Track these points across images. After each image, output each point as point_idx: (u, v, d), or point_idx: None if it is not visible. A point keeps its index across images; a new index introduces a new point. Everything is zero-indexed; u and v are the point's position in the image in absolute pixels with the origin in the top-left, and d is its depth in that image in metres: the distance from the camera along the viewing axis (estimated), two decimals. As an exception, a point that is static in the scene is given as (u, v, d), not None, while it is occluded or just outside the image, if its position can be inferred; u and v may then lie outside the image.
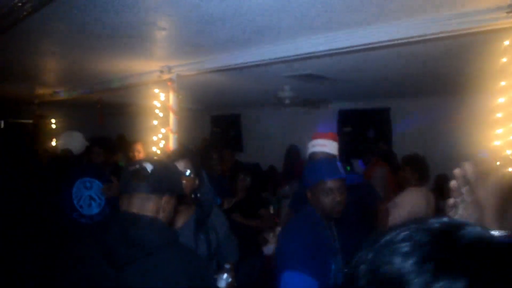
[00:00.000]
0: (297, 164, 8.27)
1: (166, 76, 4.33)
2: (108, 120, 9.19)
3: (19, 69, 4.78)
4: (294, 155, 8.27)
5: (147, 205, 1.54)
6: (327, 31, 2.92)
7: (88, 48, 3.60)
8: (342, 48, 2.97)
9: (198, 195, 2.39)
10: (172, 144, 4.25)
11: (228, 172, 4.97)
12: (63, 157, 3.67)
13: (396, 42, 2.71)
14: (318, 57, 3.38)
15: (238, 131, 9.98)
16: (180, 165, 2.26)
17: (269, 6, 2.41)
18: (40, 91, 6.61)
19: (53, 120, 7.72)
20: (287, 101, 6.00)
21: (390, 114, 7.36)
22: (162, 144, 4.46)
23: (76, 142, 3.82)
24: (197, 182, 2.37)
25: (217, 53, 3.71)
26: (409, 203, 3.92)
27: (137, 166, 1.57)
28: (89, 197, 3.19)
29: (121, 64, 4.30)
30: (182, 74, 4.27)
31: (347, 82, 5.27)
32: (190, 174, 2.29)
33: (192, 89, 6.05)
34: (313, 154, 3.09)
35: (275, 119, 8.93)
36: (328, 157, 3.03)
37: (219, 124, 10.51)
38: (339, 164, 2.27)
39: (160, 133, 4.49)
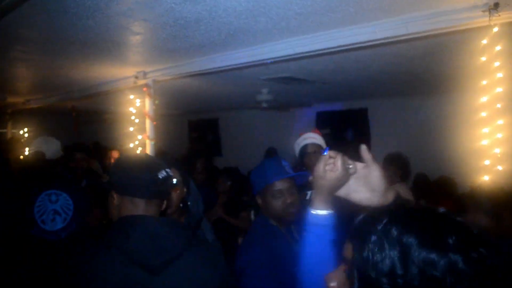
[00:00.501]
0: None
1: (141, 82, 4.25)
2: (84, 128, 9.04)
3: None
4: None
5: (157, 209, 1.60)
6: (305, 32, 2.90)
7: (60, 55, 3.50)
8: (320, 50, 2.95)
9: (189, 203, 2.33)
10: (149, 151, 4.16)
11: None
12: (34, 160, 3.41)
13: (375, 42, 2.71)
14: (295, 59, 3.36)
15: (216, 135, 9.91)
16: None
17: (245, 9, 2.37)
18: (12, 99, 6.41)
19: (25, 129, 7.52)
20: (264, 105, 5.96)
21: (368, 115, 7.40)
22: (139, 151, 4.37)
23: (50, 145, 3.59)
24: (185, 190, 2.31)
25: (193, 57, 3.65)
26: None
27: (165, 173, 1.59)
28: (53, 211, 2.99)
29: (95, 70, 4.20)
30: (158, 79, 4.20)
31: (326, 84, 5.27)
32: (177, 183, 2.22)
33: (169, 94, 5.96)
34: (306, 146, 3.15)
35: (254, 122, 8.90)
36: (319, 149, 3.10)
37: (197, 129, 10.42)
38: (285, 163, 2.17)
39: (137, 140, 4.40)
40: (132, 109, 4.49)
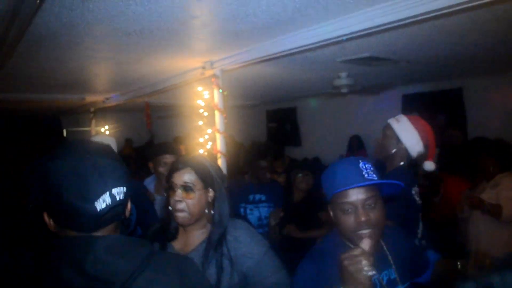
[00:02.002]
0: (360, 155, 7.73)
1: (209, 72, 3.99)
2: (160, 123, 9.16)
3: (65, 79, 4.66)
4: (356, 146, 7.75)
5: (112, 231, 1.29)
6: (384, 0, 2.41)
7: (123, 49, 3.33)
8: (406, 19, 2.44)
9: (212, 212, 1.92)
10: (219, 145, 3.90)
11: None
12: None
13: (475, 3, 2.16)
14: (376, 33, 2.87)
15: (294, 125, 9.55)
16: (182, 177, 1.87)
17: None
18: (92, 98, 6.56)
19: (107, 127, 7.75)
20: (344, 90, 5.47)
21: (463, 96, 6.57)
22: (209, 145, 4.14)
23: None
24: (211, 194, 1.93)
25: (259, 41, 3.29)
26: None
27: (108, 200, 1.21)
28: None
29: (161, 64, 4.02)
30: (225, 68, 3.91)
31: (411, 63, 4.66)
32: (191, 188, 1.86)
33: (242, 84, 5.71)
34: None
35: (334, 109, 8.41)
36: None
37: (275, 119, 10.14)
38: (365, 165, 1.58)
39: (206, 134, 4.17)
40: (200, 102, 4.25)
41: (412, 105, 7.22)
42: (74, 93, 5.99)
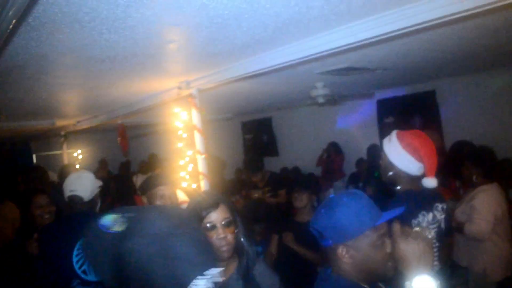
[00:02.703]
0: (337, 160, 7.73)
1: (185, 92, 3.87)
2: (136, 142, 8.94)
3: (36, 107, 4.46)
4: (334, 151, 7.76)
5: None
6: (369, 13, 2.36)
7: (93, 75, 3.18)
8: (390, 33, 2.39)
9: (242, 239, 1.93)
10: (200, 166, 3.77)
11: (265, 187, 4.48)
12: (69, 207, 2.96)
13: (461, 15, 2.12)
14: (356, 48, 2.83)
15: (271, 135, 9.48)
16: (221, 214, 1.84)
17: (295, -6, 1.89)
18: (62, 122, 6.32)
19: (79, 150, 7.50)
20: (320, 100, 5.43)
21: (436, 97, 6.63)
22: (190, 167, 4.01)
23: (86, 185, 3.05)
24: (238, 225, 1.92)
25: (238, 59, 3.20)
26: (490, 205, 3.31)
27: None
28: None
29: (135, 86, 3.87)
30: (202, 87, 3.80)
31: (388, 70, 4.66)
32: (230, 221, 1.86)
33: (217, 99, 5.60)
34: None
35: (310, 118, 8.40)
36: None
37: (250, 130, 10.06)
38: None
39: (186, 156, 4.04)
40: (179, 123, 4.11)
41: (387, 110, 7.28)
42: (44, 119, 5.75)
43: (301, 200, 3.51)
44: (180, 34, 2.35)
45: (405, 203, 2.15)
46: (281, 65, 3.01)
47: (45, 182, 4.55)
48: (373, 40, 2.53)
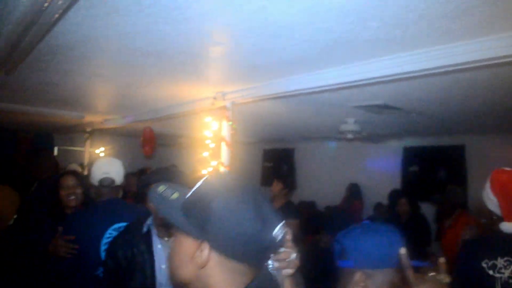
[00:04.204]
0: (356, 204, 7.59)
1: (219, 104, 3.89)
2: (157, 152, 8.97)
3: (68, 95, 4.52)
4: (354, 195, 7.63)
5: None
6: (419, 46, 2.35)
7: (135, 69, 3.21)
8: (436, 68, 2.39)
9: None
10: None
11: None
12: (98, 192, 2.91)
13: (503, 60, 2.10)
14: (399, 80, 2.80)
15: (291, 167, 9.40)
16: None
17: (354, 8, 1.88)
18: (90, 118, 6.40)
19: (102, 149, 7.57)
20: (350, 136, 5.40)
21: (465, 153, 6.53)
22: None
23: (119, 168, 3.01)
24: None
25: (276, 76, 3.21)
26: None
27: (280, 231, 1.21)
28: None
29: (171, 89, 3.90)
30: (237, 101, 3.81)
31: (422, 115, 4.61)
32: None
33: (244, 119, 5.62)
34: None
35: (333, 154, 8.31)
36: None
37: (271, 159, 10.00)
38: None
39: (210, 166, 4.01)
40: (208, 133, 4.11)
41: (413, 158, 7.18)
42: (74, 110, 5.82)
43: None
44: (229, 37, 2.36)
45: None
46: (321, 88, 3.00)
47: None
48: (418, 74, 2.52)
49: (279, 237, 1.07)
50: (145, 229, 2.21)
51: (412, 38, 2.23)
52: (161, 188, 1.21)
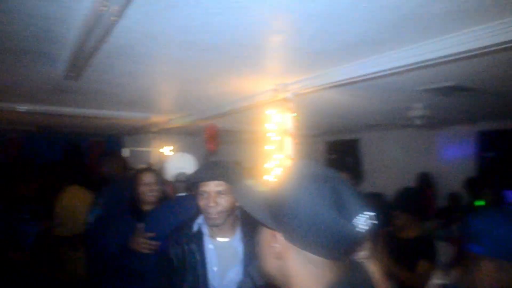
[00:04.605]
0: (427, 194, 7.22)
1: (281, 95, 3.81)
2: (220, 149, 9.07)
3: (134, 96, 4.65)
4: (426, 184, 7.25)
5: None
6: (501, 16, 2.13)
7: (196, 65, 3.20)
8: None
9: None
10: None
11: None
12: (177, 186, 2.94)
13: None
14: (472, 57, 2.56)
15: (356, 158, 9.14)
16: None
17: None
18: (156, 118, 6.56)
19: (168, 148, 7.76)
20: (418, 122, 5.12)
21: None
22: (277, 172, 3.91)
23: (192, 163, 3.01)
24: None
25: (341, 62, 3.07)
26: None
27: (367, 219, 1.09)
28: None
29: (233, 83, 3.88)
30: (299, 92, 3.72)
31: (497, 95, 4.26)
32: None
33: (306, 111, 5.50)
34: None
35: (400, 143, 7.96)
36: None
37: (335, 151, 9.78)
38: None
39: (275, 160, 3.95)
40: (271, 126, 4.04)
41: (489, 143, 6.70)
42: (140, 111, 5.99)
43: (401, 219, 3.27)
44: (290, 24, 2.27)
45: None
46: (389, 71, 2.83)
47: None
48: (497, 47, 2.30)
49: (363, 228, 0.95)
50: (195, 228, 2.13)
51: (488, 8, 2.02)
52: (244, 183, 1.23)
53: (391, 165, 8.10)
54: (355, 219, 0.94)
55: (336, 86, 3.46)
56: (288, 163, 3.67)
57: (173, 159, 3.07)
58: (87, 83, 3.84)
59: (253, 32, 2.42)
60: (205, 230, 2.11)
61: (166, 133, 7.96)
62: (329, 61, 3.03)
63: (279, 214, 1.00)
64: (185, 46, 2.69)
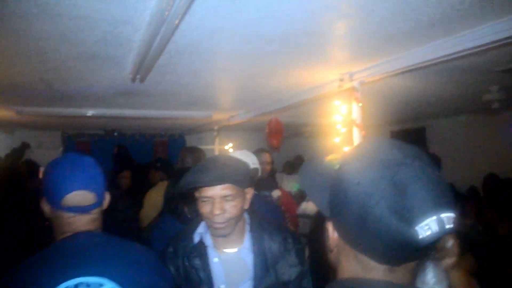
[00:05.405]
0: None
1: (347, 85, 3.66)
2: (283, 143, 9.00)
3: (197, 95, 4.67)
4: (491, 187, 6.71)
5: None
6: None
7: (258, 58, 3.13)
8: None
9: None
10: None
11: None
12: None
13: None
14: None
15: (423, 147, 8.72)
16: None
17: None
18: (218, 116, 6.60)
19: (230, 145, 7.80)
20: (496, 105, 4.76)
21: None
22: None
23: (255, 161, 3.03)
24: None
25: (413, 46, 2.88)
26: None
27: (443, 223, 0.87)
28: None
29: (297, 75, 3.76)
30: (366, 80, 3.54)
31: None
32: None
33: (371, 101, 5.28)
34: None
35: (472, 129, 7.47)
36: None
37: (400, 140, 9.39)
38: None
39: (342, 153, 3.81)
40: (337, 117, 3.90)
41: None
42: (202, 110, 6.04)
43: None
44: (361, 6, 2.13)
45: None
46: (469, 51, 2.59)
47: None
48: None
49: (431, 234, 0.76)
50: (196, 239, 1.82)
51: None
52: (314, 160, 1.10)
53: (462, 154, 7.63)
54: (421, 223, 0.76)
55: (406, 71, 3.26)
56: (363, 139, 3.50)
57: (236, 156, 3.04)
58: (152, 85, 3.89)
59: (320, 19, 2.31)
60: (208, 240, 1.80)
61: (227, 130, 8.01)
62: (401, 44, 2.84)
63: (332, 200, 0.89)
64: (249, 39, 2.63)
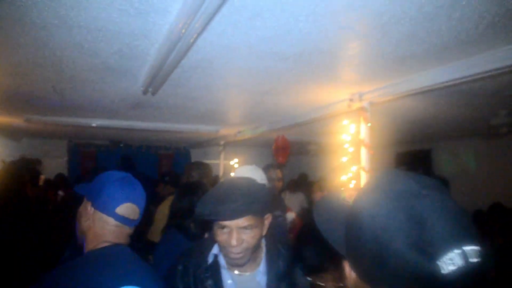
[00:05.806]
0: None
1: (356, 105, 3.67)
2: (287, 160, 8.99)
3: (206, 109, 4.69)
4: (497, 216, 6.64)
5: None
6: None
7: (276, 75, 3.14)
8: None
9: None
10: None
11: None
12: None
13: None
14: None
15: (428, 170, 8.68)
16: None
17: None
18: (224, 131, 6.61)
19: (236, 160, 7.80)
20: (503, 130, 4.76)
21: None
22: (352, 184, 3.76)
23: (262, 176, 3.04)
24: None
25: (426, 68, 2.89)
26: None
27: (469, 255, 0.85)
28: None
29: (309, 93, 3.78)
30: (375, 101, 3.56)
31: None
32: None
33: (378, 121, 5.29)
34: None
35: (479, 153, 7.44)
36: None
37: (405, 162, 9.36)
38: None
39: (350, 172, 3.80)
40: (346, 136, 3.92)
41: None
42: (210, 125, 6.06)
43: None
44: (376, 26, 2.15)
45: None
46: (484, 74, 2.60)
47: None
48: None
49: (456, 269, 0.70)
50: (210, 259, 1.75)
51: None
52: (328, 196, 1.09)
53: (468, 177, 7.59)
54: (443, 256, 0.71)
55: (416, 93, 3.28)
56: (374, 174, 3.51)
57: (241, 171, 3.03)
58: (163, 98, 3.91)
59: (335, 38, 2.33)
60: (222, 261, 1.74)
61: (234, 145, 8.02)
62: (413, 66, 2.86)
63: (347, 237, 0.86)
64: (264, 56, 2.65)
